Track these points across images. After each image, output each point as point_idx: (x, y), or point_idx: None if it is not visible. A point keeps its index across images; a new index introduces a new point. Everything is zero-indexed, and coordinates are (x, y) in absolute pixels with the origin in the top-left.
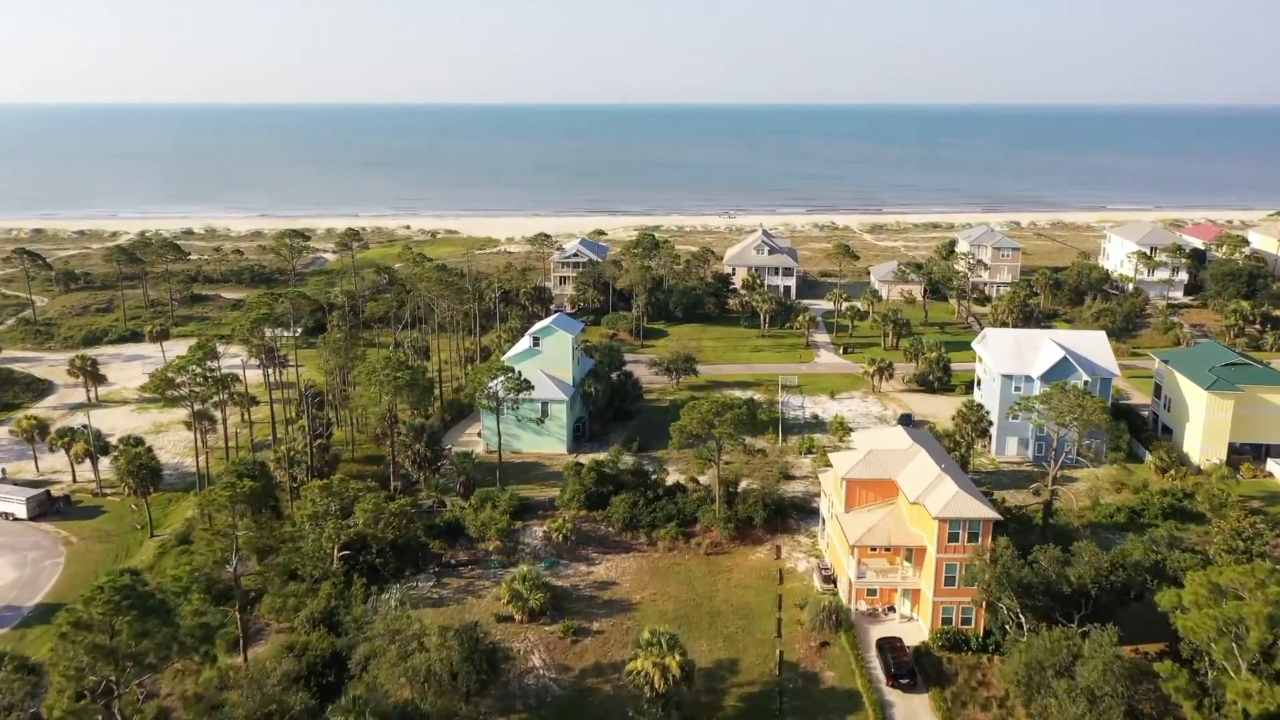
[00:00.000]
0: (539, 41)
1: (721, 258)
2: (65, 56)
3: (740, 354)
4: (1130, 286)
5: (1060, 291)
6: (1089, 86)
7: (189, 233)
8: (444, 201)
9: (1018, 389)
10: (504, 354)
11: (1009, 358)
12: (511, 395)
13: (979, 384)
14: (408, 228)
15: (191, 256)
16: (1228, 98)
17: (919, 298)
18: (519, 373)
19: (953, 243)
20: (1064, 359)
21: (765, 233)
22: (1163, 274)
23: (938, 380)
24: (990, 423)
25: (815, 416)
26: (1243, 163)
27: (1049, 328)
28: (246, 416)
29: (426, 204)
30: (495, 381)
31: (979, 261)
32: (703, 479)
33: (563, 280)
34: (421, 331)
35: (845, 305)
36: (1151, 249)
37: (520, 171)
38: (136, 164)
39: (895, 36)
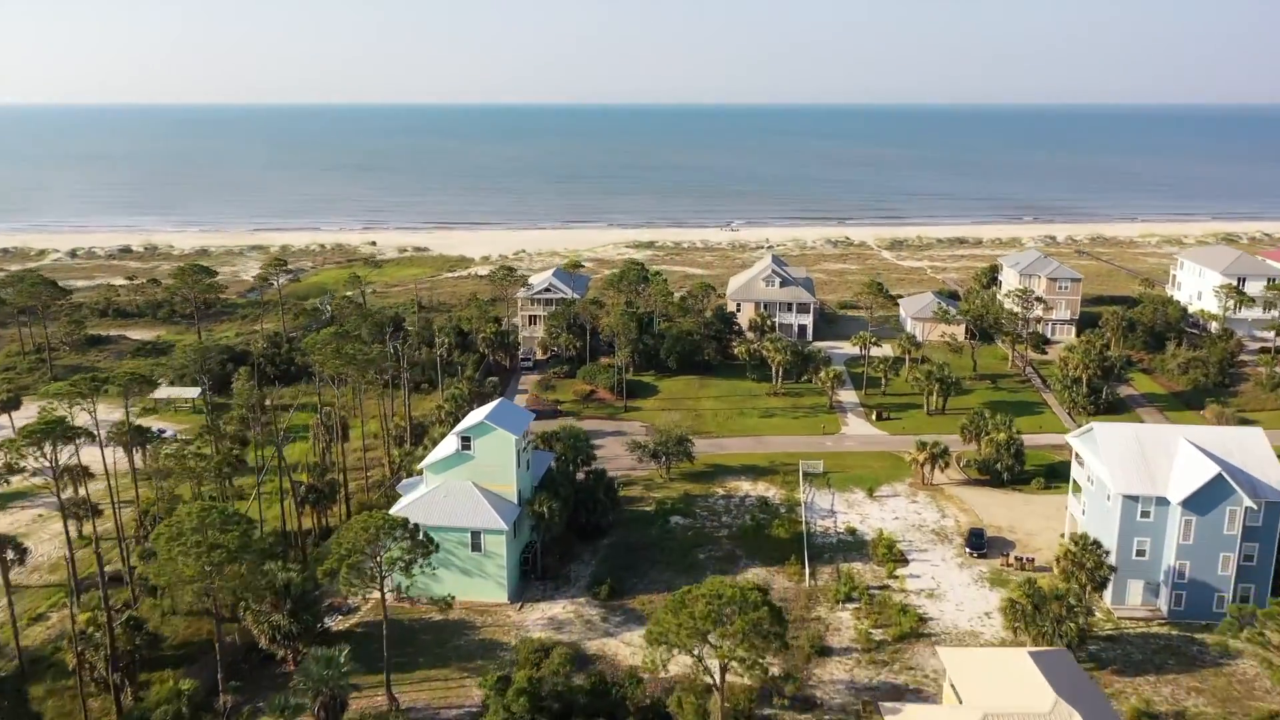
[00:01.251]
0: (536, 40)
1: (723, 293)
2: (54, 57)
3: (748, 420)
4: (1214, 326)
5: (1133, 334)
6: (1099, 86)
7: (126, 250)
8: (421, 211)
9: (1145, 515)
10: (439, 436)
11: (1131, 468)
12: (403, 566)
13: (1075, 489)
14: (373, 244)
15: (79, 285)
16: (1248, 96)
17: (961, 338)
18: (415, 528)
19: (993, 269)
20: (1218, 477)
21: (775, 260)
22: (1252, 311)
23: (1007, 470)
24: (1112, 569)
25: (851, 531)
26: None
27: (1127, 381)
28: (92, 529)
29: (402, 214)
30: (379, 540)
31: (1037, 298)
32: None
33: (532, 320)
34: (350, 390)
35: (875, 351)
36: (1240, 280)
37: (507, 176)
38: (95, 169)
39: (898, 34)
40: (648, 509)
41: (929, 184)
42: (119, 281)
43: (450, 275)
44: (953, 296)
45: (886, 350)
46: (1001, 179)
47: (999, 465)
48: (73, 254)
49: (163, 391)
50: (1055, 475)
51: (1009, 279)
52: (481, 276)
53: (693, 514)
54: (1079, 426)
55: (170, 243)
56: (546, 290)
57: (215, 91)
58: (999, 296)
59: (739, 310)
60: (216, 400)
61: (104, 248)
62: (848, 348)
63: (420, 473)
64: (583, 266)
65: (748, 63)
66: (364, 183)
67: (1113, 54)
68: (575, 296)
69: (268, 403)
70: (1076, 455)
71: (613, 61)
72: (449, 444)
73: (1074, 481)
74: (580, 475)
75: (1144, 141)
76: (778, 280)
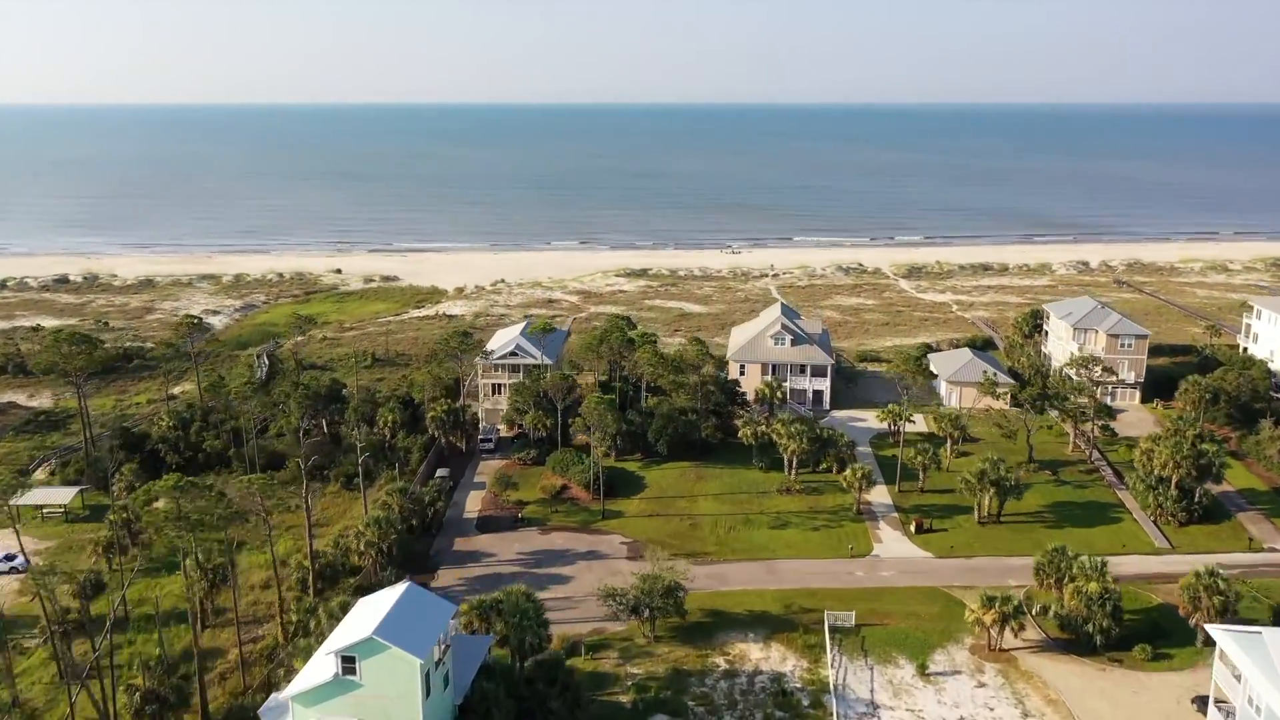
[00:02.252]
0: (539, 39)
1: (723, 346)
2: (46, 55)
3: (756, 534)
4: None
5: (1216, 406)
6: (1104, 84)
7: (62, 281)
8: (396, 227)
9: None
10: (345, 601)
11: None
12: None
13: (1217, 695)
14: (338, 272)
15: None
16: (1264, 96)
17: (1007, 406)
18: None
19: (1035, 315)
20: None
21: (785, 310)
22: None
23: (1101, 633)
24: None
25: None
26: None
27: (1219, 478)
28: None
29: (376, 230)
30: None
31: (1105, 369)
32: None
33: (496, 389)
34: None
35: (905, 426)
36: None
37: (493, 185)
38: (59, 178)
39: (894, 29)
40: (622, 700)
41: (939, 195)
42: (47, 322)
43: (417, 314)
44: (987, 345)
45: (919, 423)
46: (1016, 189)
47: (1090, 626)
48: (2, 285)
49: (30, 494)
50: (1160, 634)
51: (1058, 331)
52: (451, 317)
53: (683, 709)
54: (1170, 543)
55: (115, 270)
56: (513, 354)
57: (218, 92)
58: (1045, 350)
59: (743, 373)
60: (101, 501)
61: (40, 277)
62: (873, 420)
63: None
64: (553, 329)
65: (745, 62)
66: (342, 193)
67: (1117, 51)
68: (546, 362)
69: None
70: (1222, 653)
71: (612, 61)
72: (322, 668)
73: (1216, 684)
74: (525, 664)
75: (1160, 144)
76: (788, 338)
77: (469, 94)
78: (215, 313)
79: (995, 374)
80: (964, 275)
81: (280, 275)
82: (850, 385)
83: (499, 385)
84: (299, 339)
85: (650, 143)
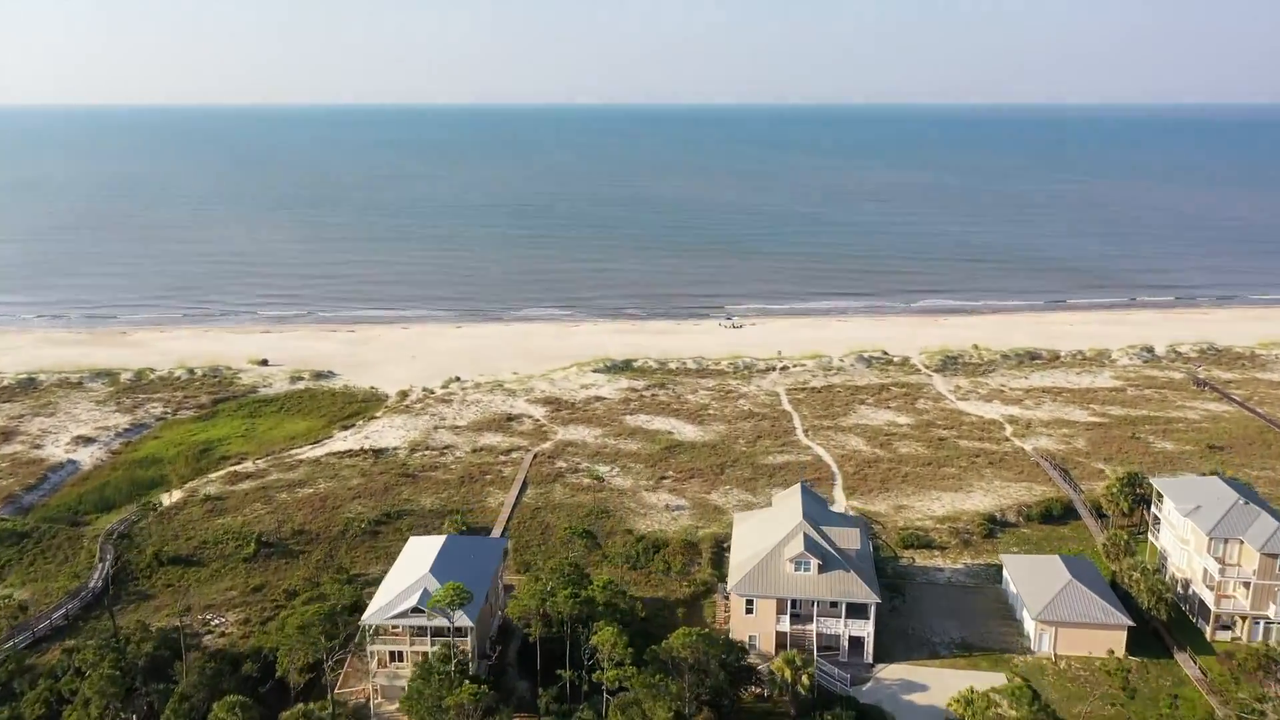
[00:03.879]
0: (519, 37)
1: (718, 534)
2: (50, 54)
3: None
4: None
5: None
6: (1116, 85)
7: None
8: (347, 287)
9: None
10: None
11: None
12: None
13: None
14: (264, 363)
15: None
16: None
17: (1119, 651)
18: None
19: (1132, 480)
20: None
21: (809, 505)
22: None
23: None
24: None
25: None
26: None
27: None
28: None
29: (325, 292)
30: None
31: None
32: None
33: (395, 656)
34: None
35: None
36: None
37: (462, 219)
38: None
39: (891, 27)
40: None
41: (957, 234)
42: None
43: (341, 443)
44: (1067, 513)
45: (1000, 706)
46: (1043, 227)
47: None
48: None
49: None
50: None
51: (1179, 527)
52: (380, 451)
53: None
54: None
55: None
56: (416, 611)
57: (224, 92)
58: (1156, 543)
59: (751, 611)
60: None
61: None
62: (937, 691)
63: None
64: (467, 597)
65: (744, 62)
66: (298, 230)
67: (1126, 51)
68: (466, 624)
69: None
70: None
71: (610, 61)
72: None
73: None
74: None
75: (1207, 156)
76: (814, 562)
77: (468, 95)
78: (89, 440)
79: (1110, 615)
80: (1008, 368)
81: (191, 372)
82: (897, 602)
83: (397, 653)
84: (164, 504)
85: (641, 151)
